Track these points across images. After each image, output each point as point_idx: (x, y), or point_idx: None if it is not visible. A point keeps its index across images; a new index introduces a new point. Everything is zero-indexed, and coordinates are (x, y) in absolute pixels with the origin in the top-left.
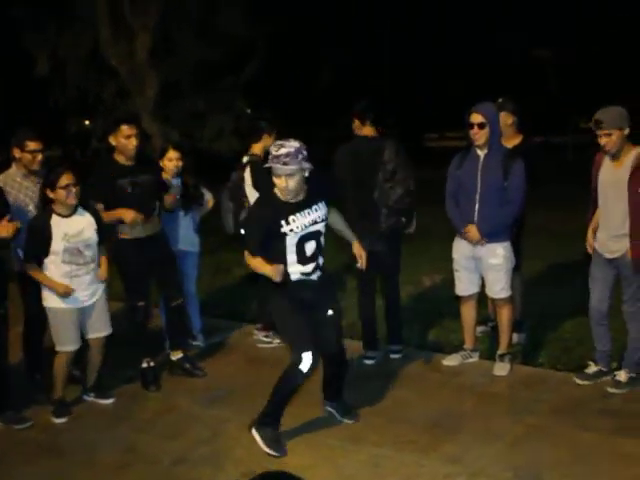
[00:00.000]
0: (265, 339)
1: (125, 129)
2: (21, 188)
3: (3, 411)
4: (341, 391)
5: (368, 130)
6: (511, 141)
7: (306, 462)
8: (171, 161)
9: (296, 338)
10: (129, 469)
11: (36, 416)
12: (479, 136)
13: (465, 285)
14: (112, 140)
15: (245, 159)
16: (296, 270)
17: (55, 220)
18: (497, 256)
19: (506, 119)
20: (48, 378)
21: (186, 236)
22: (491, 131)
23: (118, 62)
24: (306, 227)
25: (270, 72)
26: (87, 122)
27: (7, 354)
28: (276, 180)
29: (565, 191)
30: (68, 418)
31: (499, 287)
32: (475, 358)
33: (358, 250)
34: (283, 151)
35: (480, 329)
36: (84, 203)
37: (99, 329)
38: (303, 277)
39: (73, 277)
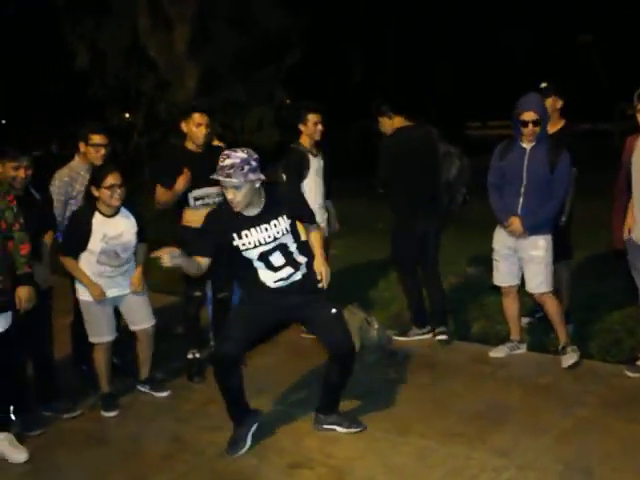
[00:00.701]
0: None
1: (197, 117)
2: (84, 182)
3: (50, 401)
4: (338, 402)
5: (399, 121)
6: (554, 126)
7: (351, 454)
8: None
9: (228, 332)
10: (174, 460)
11: (83, 406)
12: (534, 132)
13: (503, 276)
14: (183, 127)
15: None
16: (270, 278)
17: (97, 218)
18: (538, 248)
19: (555, 103)
20: (94, 370)
21: None
22: (542, 126)
23: (157, 53)
24: (262, 244)
25: (309, 63)
26: (127, 115)
27: (52, 343)
28: (226, 194)
29: (610, 179)
30: (117, 412)
31: (538, 281)
32: (523, 349)
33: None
34: (227, 162)
35: (526, 320)
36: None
37: (142, 320)
38: (281, 283)
39: (105, 277)
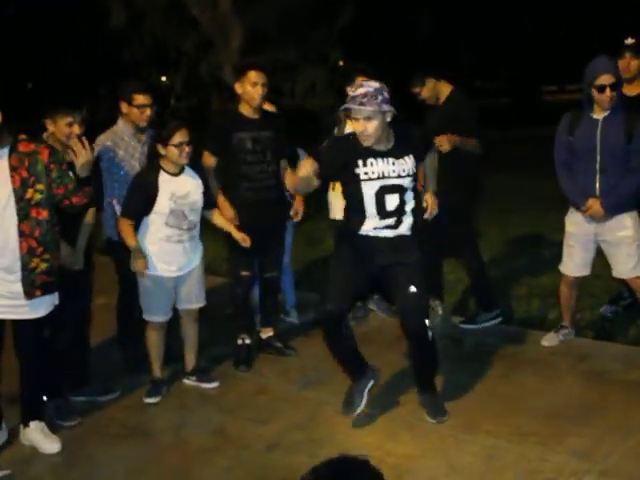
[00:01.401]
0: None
1: (253, 75)
2: (128, 148)
3: (82, 386)
4: (427, 383)
5: (446, 87)
6: (635, 89)
7: (412, 451)
8: None
9: (330, 290)
10: (219, 453)
11: (122, 394)
12: (612, 97)
13: (577, 265)
14: (238, 88)
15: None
16: (373, 224)
17: (163, 177)
18: (626, 228)
19: (633, 63)
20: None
21: None
22: (618, 90)
23: (199, 11)
24: (386, 177)
25: (366, 22)
26: (164, 78)
27: (89, 325)
28: (354, 124)
29: None
30: (159, 399)
31: (632, 264)
32: (573, 335)
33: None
34: (361, 91)
35: (610, 309)
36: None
37: (193, 300)
38: (376, 232)
39: (173, 242)
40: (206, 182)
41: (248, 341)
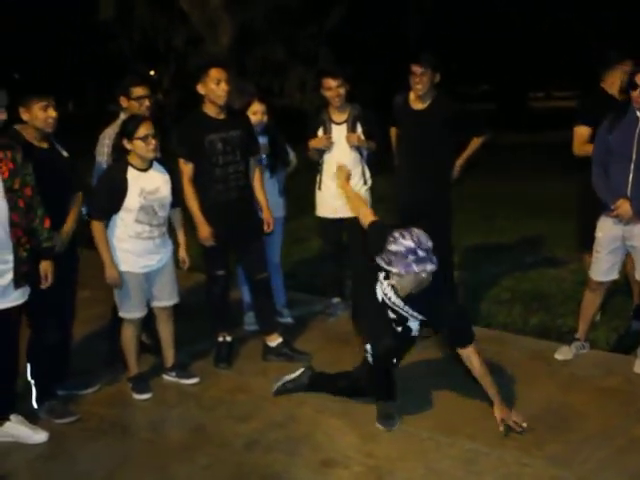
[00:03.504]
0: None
1: (215, 72)
2: None
3: (64, 380)
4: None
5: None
6: None
7: (392, 454)
8: (256, 115)
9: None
10: (197, 451)
11: (102, 388)
12: None
13: (604, 271)
14: (200, 89)
15: None
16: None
17: (132, 174)
18: None
19: None
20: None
21: (271, 200)
22: None
23: (190, 6)
24: (393, 320)
25: (357, 20)
26: (152, 73)
27: (73, 319)
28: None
29: None
30: (151, 394)
31: None
32: (587, 349)
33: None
34: (392, 248)
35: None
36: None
37: (165, 297)
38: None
39: (143, 239)
40: (174, 179)
41: (229, 338)
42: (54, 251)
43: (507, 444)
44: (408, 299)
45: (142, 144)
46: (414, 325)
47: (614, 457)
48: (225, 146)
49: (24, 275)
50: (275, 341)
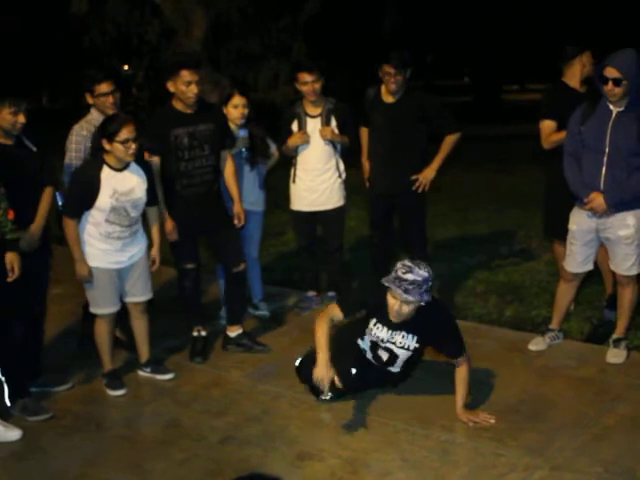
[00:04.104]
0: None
1: (186, 75)
2: None
3: (37, 376)
4: None
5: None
6: None
7: (367, 445)
8: (236, 108)
9: None
10: (172, 446)
11: (75, 385)
12: (614, 93)
13: (577, 263)
14: (170, 86)
15: None
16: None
17: (106, 172)
18: (627, 227)
19: None
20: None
21: (251, 194)
22: (630, 86)
23: None
24: (383, 342)
25: (333, 12)
26: (126, 67)
27: (45, 315)
28: (391, 299)
29: None
30: (126, 390)
31: (629, 263)
32: (561, 339)
33: None
34: (409, 277)
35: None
36: (139, 157)
37: (138, 293)
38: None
39: (114, 239)
40: (151, 178)
41: (204, 333)
42: (18, 243)
43: (482, 435)
44: (401, 324)
45: (121, 147)
46: (402, 354)
47: (588, 446)
48: (192, 141)
49: None
50: (235, 332)
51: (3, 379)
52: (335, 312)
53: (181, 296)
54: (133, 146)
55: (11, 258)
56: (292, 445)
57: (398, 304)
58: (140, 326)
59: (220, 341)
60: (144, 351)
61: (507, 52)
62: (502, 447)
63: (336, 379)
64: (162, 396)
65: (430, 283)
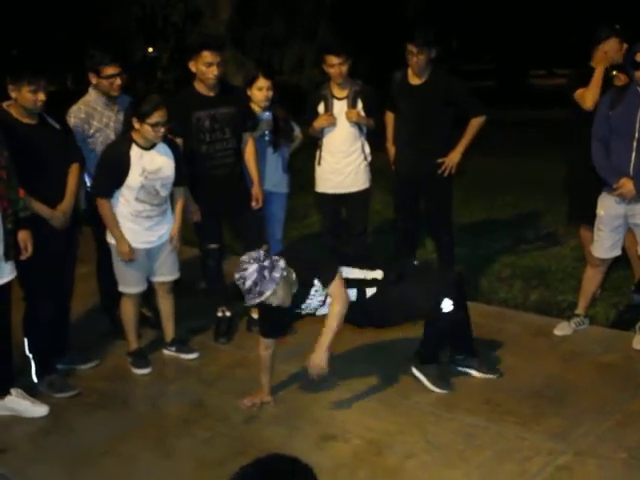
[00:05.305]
0: None
1: (207, 56)
2: (102, 117)
3: (64, 354)
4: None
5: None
6: None
7: (392, 427)
8: (261, 90)
9: None
10: (197, 425)
11: (101, 363)
12: None
13: (607, 248)
14: (192, 66)
15: None
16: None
17: (135, 151)
18: None
19: None
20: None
21: (274, 176)
22: None
23: None
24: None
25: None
26: (151, 50)
27: (71, 292)
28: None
29: None
30: (151, 369)
31: None
32: (587, 325)
33: None
34: (247, 286)
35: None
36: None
37: (165, 272)
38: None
39: (143, 218)
40: (179, 158)
41: (228, 313)
42: (31, 220)
43: (506, 419)
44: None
45: (151, 130)
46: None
47: (612, 431)
48: (213, 123)
49: (13, 247)
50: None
51: (31, 356)
52: (265, 342)
53: (205, 276)
54: (162, 130)
55: (24, 237)
56: (316, 426)
57: (275, 299)
58: (166, 305)
59: (244, 322)
60: (169, 330)
61: (534, 37)
62: (526, 431)
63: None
64: (187, 375)
65: (266, 263)
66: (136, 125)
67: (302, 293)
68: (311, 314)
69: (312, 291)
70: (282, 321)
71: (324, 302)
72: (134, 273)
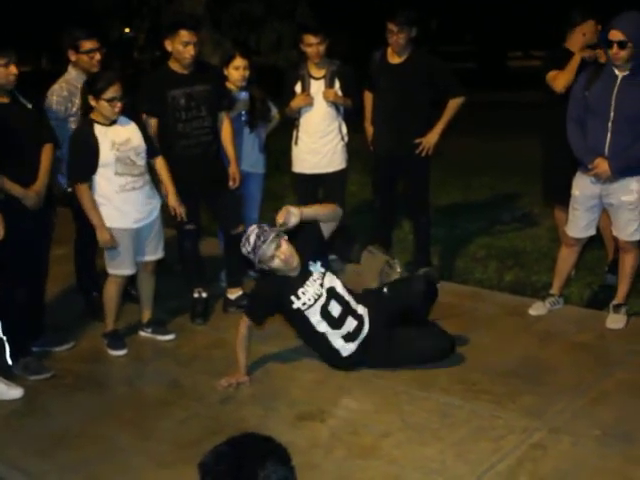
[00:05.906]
0: None
1: (184, 35)
2: None
3: (39, 336)
4: None
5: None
6: None
7: (367, 407)
8: (237, 70)
9: None
10: (173, 406)
11: (76, 345)
12: (619, 56)
13: (581, 227)
14: (168, 45)
15: None
16: (338, 339)
17: (99, 130)
18: (631, 192)
19: None
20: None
21: (250, 156)
22: (635, 49)
23: None
24: (320, 295)
25: None
26: (127, 30)
27: (46, 274)
28: (273, 264)
29: None
30: (127, 350)
31: (632, 229)
32: (561, 305)
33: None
34: (248, 249)
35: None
36: (134, 116)
37: (151, 252)
38: (351, 343)
39: (129, 191)
40: (144, 129)
41: (204, 294)
42: (3, 203)
43: (481, 397)
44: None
45: (107, 105)
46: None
47: (586, 409)
48: (189, 101)
49: None
50: (235, 294)
51: (5, 338)
52: (246, 321)
53: (181, 257)
54: (119, 105)
55: None
56: (292, 406)
57: (280, 253)
58: (147, 286)
59: (221, 303)
60: (147, 311)
61: (511, 18)
62: (500, 409)
63: None
64: (163, 356)
65: (265, 227)
66: (92, 103)
67: (302, 273)
68: (309, 305)
69: (310, 279)
70: (270, 304)
71: (319, 297)
72: (126, 255)
